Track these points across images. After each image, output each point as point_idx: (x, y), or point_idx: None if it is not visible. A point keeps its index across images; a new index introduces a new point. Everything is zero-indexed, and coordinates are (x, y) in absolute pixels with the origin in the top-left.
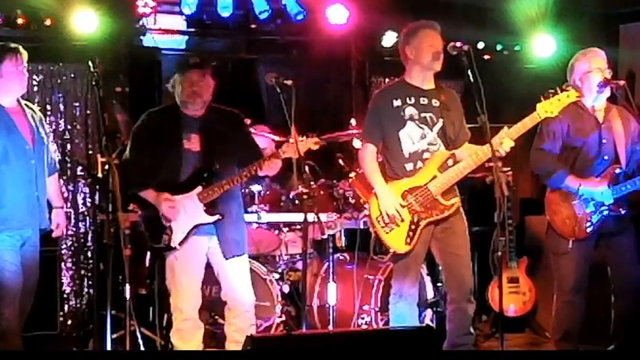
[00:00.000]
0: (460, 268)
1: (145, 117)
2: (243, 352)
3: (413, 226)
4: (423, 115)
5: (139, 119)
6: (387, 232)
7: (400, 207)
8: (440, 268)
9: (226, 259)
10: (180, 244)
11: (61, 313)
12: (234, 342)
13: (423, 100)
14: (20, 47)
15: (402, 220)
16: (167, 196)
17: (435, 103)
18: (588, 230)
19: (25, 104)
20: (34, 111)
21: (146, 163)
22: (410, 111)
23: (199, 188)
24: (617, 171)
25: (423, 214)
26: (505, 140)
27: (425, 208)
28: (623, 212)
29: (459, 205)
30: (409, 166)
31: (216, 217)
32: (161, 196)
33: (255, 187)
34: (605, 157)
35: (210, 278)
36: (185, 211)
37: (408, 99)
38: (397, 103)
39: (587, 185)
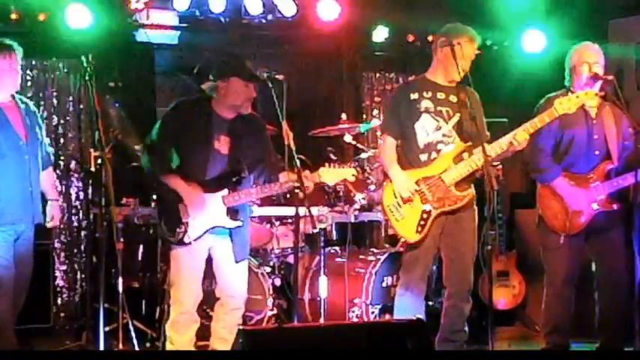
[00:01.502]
0: (463, 265)
1: (177, 105)
2: (240, 351)
3: (425, 215)
4: (439, 108)
5: (170, 106)
6: (399, 220)
7: (414, 191)
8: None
9: (237, 262)
10: (195, 240)
11: (54, 307)
12: (221, 339)
13: (441, 95)
14: (15, 44)
15: (414, 208)
16: (199, 190)
17: (453, 99)
18: (580, 225)
19: (20, 99)
20: (28, 106)
21: (172, 151)
22: (426, 104)
23: (225, 191)
24: (609, 167)
25: (435, 204)
26: (519, 132)
27: (437, 197)
28: (615, 207)
29: (473, 198)
30: (423, 157)
31: (238, 223)
32: (193, 187)
33: None
34: (597, 153)
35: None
36: (207, 210)
37: (425, 92)
38: (414, 96)
39: (572, 196)
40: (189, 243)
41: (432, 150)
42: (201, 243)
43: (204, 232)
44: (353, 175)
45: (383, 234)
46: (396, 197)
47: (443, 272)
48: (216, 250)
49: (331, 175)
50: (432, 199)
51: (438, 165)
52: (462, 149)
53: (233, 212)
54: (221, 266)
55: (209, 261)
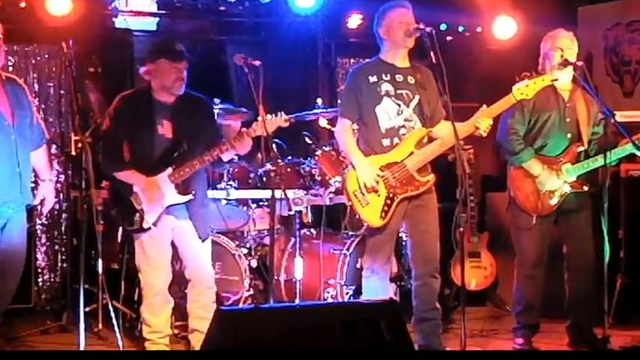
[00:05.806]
0: (429, 244)
1: (119, 100)
2: (235, 351)
3: (388, 201)
4: (399, 91)
5: (113, 101)
6: (363, 206)
7: (379, 178)
8: (405, 243)
9: (203, 240)
10: (154, 224)
11: (35, 287)
12: (199, 318)
13: (399, 78)
14: None
15: (379, 194)
16: (153, 180)
17: (411, 80)
18: (551, 206)
19: (7, 77)
20: (17, 84)
21: (122, 145)
22: (386, 87)
23: (170, 169)
24: (579, 149)
25: (398, 190)
26: (483, 120)
27: (400, 183)
28: (585, 189)
29: (433, 182)
30: (386, 142)
31: (189, 196)
32: (149, 180)
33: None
34: (568, 136)
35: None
36: (159, 192)
37: (383, 75)
38: (373, 79)
39: (546, 175)
40: (149, 228)
41: (395, 135)
42: (162, 225)
43: (161, 213)
44: (285, 120)
45: (347, 219)
46: (359, 183)
47: (409, 254)
48: (178, 232)
49: (263, 126)
50: (396, 185)
51: (401, 151)
52: (423, 134)
53: (182, 187)
54: (185, 248)
55: (174, 244)
